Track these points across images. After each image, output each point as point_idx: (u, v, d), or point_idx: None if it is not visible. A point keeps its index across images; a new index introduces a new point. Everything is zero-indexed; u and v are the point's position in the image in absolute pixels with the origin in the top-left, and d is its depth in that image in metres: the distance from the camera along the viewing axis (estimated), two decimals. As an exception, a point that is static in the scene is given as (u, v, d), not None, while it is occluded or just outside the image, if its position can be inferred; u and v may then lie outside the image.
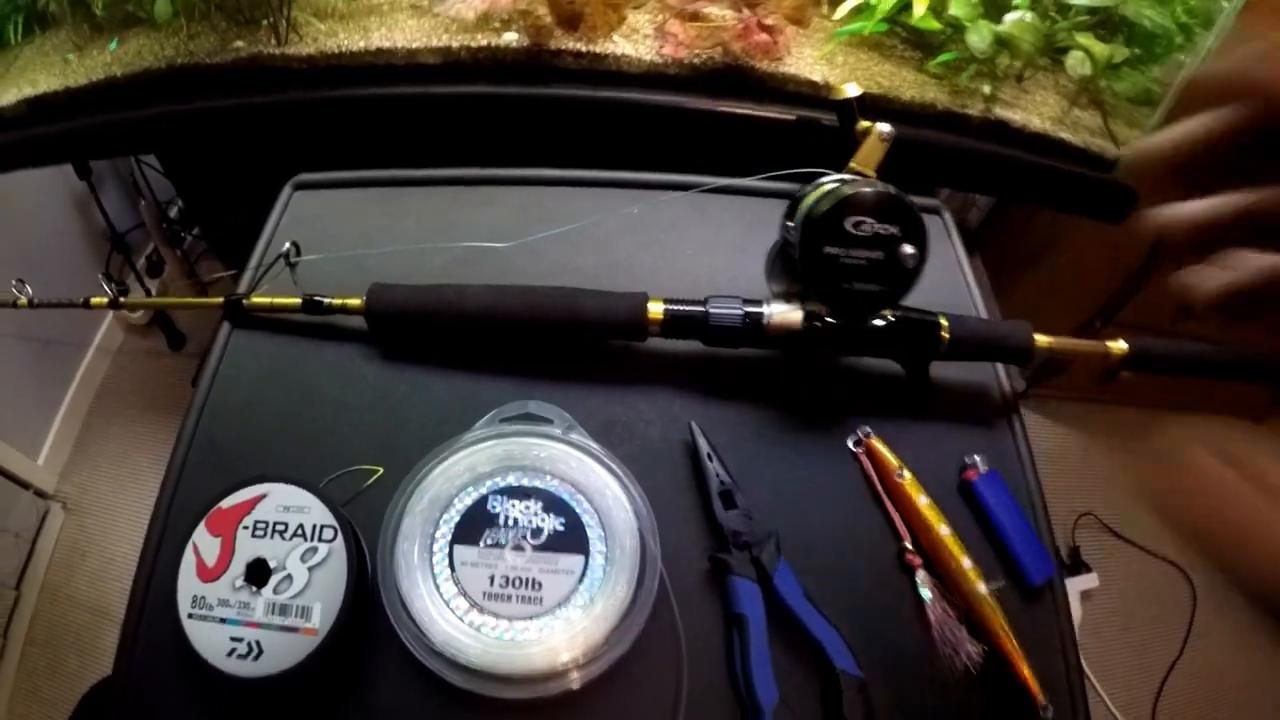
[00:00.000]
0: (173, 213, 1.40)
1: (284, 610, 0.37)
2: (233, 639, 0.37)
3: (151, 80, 0.71)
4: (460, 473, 0.40)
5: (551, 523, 0.39)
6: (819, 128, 0.65)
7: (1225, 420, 0.23)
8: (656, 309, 0.45)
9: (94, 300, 0.58)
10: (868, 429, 0.46)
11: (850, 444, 0.46)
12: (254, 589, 0.38)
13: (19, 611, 1.15)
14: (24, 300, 0.60)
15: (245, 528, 0.39)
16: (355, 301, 0.48)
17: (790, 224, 0.44)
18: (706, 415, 0.45)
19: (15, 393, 1.22)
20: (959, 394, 0.49)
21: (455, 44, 0.66)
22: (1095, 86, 0.71)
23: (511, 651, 0.36)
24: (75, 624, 1.16)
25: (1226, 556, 0.20)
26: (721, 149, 0.68)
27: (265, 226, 0.58)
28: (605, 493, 0.40)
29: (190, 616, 0.37)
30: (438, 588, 0.38)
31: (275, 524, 0.39)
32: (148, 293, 1.36)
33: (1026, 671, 0.39)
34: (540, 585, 0.38)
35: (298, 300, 0.49)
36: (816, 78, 0.67)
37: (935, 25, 0.66)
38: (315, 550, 0.39)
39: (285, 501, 0.40)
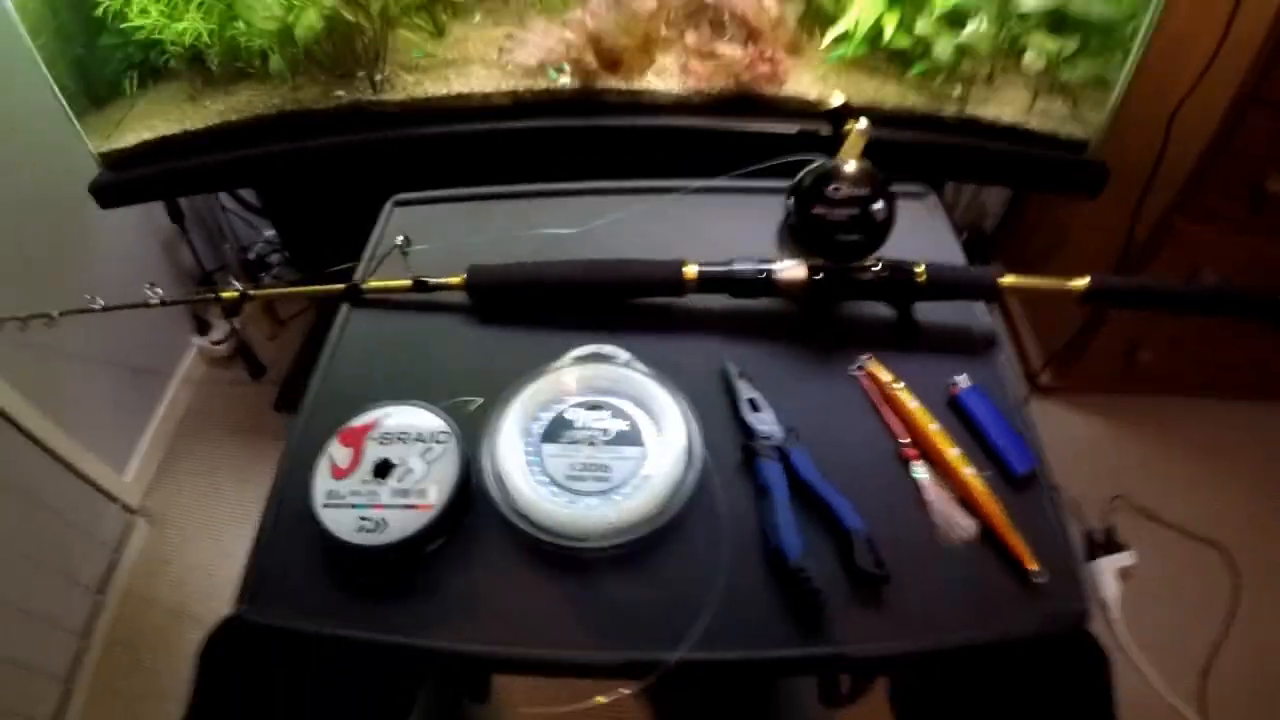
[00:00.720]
0: (251, 255, 1.58)
1: (404, 494, 0.47)
2: (361, 518, 0.46)
3: (261, 124, 0.86)
4: (546, 391, 0.52)
5: (617, 425, 0.50)
6: (816, 136, 0.78)
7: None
8: (692, 270, 0.57)
9: (225, 293, 0.68)
10: (868, 356, 0.56)
11: (852, 369, 0.56)
12: (380, 480, 0.48)
13: (102, 616, 1.20)
14: (155, 300, 0.67)
15: (373, 438, 0.50)
16: (456, 280, 0.60)
17: (789, 200, 0.56)
18: (734, 353, 0.57)
19: (105, 411, 1.30)
20: (946, 333, 0.59)
21: (521, 87, 0.81)
22: (1055, 77, 0.81)
23: (588, 514, 0.46)
24: (155, 626, 1.21)
25: None
26: (736, 160, 0.81)
27: (372, 234, 0.71)
28: (657, 401, 0.51)
29: (325, 506, 0.47)
30: (530, 472, 0.48)
31: (399, 433, 0.51)
32: (231, 327, 1.52)
33: (1018, 541, 0.45)
34: (609, 469, 0.48)
35: (408, 282, 0.62)
36: (812, 96, 0.81)
37: (906, 42, 0.79)
38: (432, 449, 0.50)
39: (407, 418, 0.51)
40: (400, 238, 0.63)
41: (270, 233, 1.57)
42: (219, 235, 1.50)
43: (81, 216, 1.15)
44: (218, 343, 1.51)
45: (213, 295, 0.70)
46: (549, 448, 0.49)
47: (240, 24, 0.82)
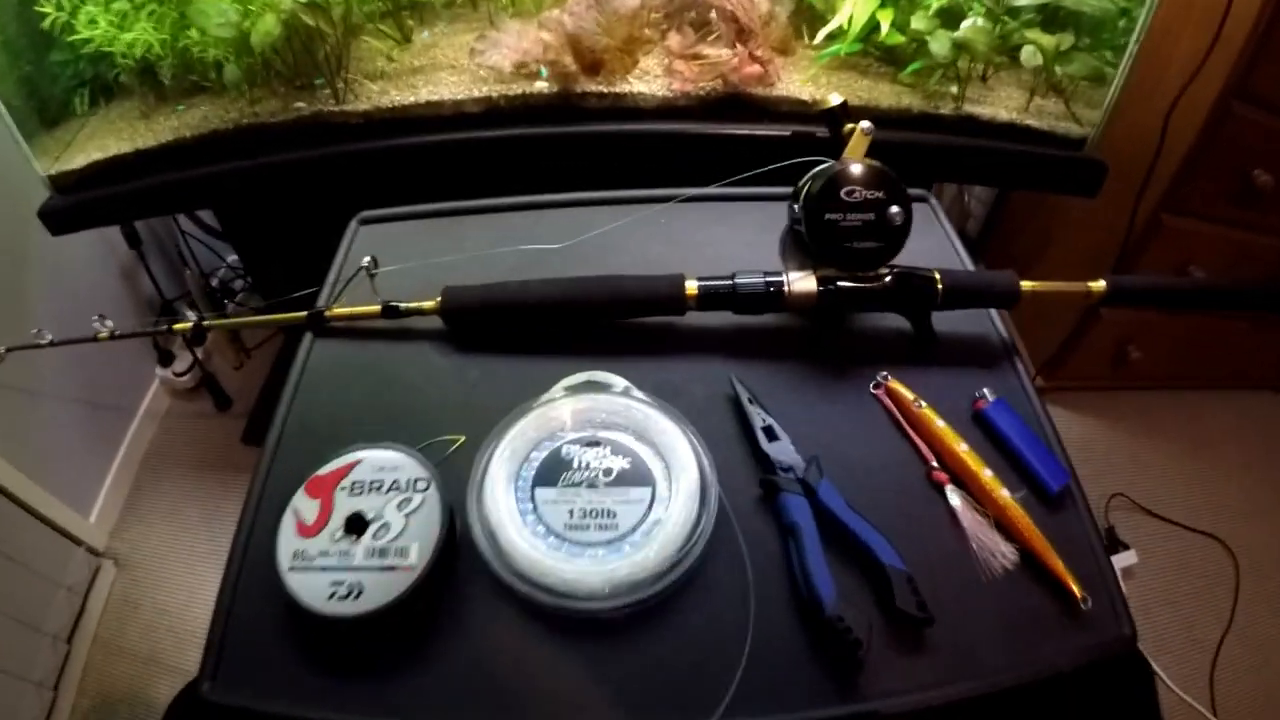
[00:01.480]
0: (214, 282, 1.50)
1: (382, 553, 0.42)
2: (333, 583, 0.41)
3: (218, 140, 0.80)
4: (537, 428, 0.47)
5: (620, 463, 0.45)
6: (811, 139, 0.74)
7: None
8: (692, 285, 0.53)
9: (178, 325, 0.64)
10: (886, 373, 0.52)
11: (870, 388, 0.52)
12: (353, 538, 0.42)
13: (70, 665, 1.15)
14: (104, 333, 0.62)
15: (343, 488, 0.45)
16: (429, 304, 0.55)
17: (796, 206, 0.52)
18: (742, 374, 0.52)
19: (67, 453, 1.26)
20: (963, 344, 0.56)
21: (494, 93, 0.76)
22: (1051, 74, 0.80)
23: (593, 569, 0.41)
24: (126, 675, 1.17)
25: None
26: (729, 166, 0.77)
27: (336, 255, 0.65)
28: (664, 435, 0.46)
29: (292, 569, 0.41)
30: (524, 523, 0.43)
31: (371, 482, 0.45)
32: (195, 357, 1.44)
33: (1061, 567, 0.42)
34: (614, 514, 0.43)
35: (376, 308, 0.56)
36: (805, 97, 0.77)
37: (901, 40, 0.76)
38: (410, 500, 0.44)
39: (380, 463, 0.46)
40: (367, 259, 0.58)
41: (233, 258, 1.50)
42: (180, 261, 1.42)
43: (33, 245, 1.10)
44: (181, 374, 1.44)
45: (165, 327, 0.65)
46: (544, 493, 0.44)
47: (193, 32, 0.76)
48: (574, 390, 0.50)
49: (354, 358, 0.57)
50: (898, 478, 0.48)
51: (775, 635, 0.41)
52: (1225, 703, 1.06)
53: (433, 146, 0.76)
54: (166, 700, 1.21)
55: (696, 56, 0.77)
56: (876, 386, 0.52)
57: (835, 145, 0.54)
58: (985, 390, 0.51)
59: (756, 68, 0.75)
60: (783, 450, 0.46)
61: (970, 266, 0.63)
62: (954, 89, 0.79)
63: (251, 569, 0.45)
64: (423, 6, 0.84)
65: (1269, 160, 0.99)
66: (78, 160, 0.84)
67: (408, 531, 0.43)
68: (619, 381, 0.50)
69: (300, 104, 0.78)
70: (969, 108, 0.79)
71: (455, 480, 0.45)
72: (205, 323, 0.63)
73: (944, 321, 0.55)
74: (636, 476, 0.44)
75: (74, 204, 0.85)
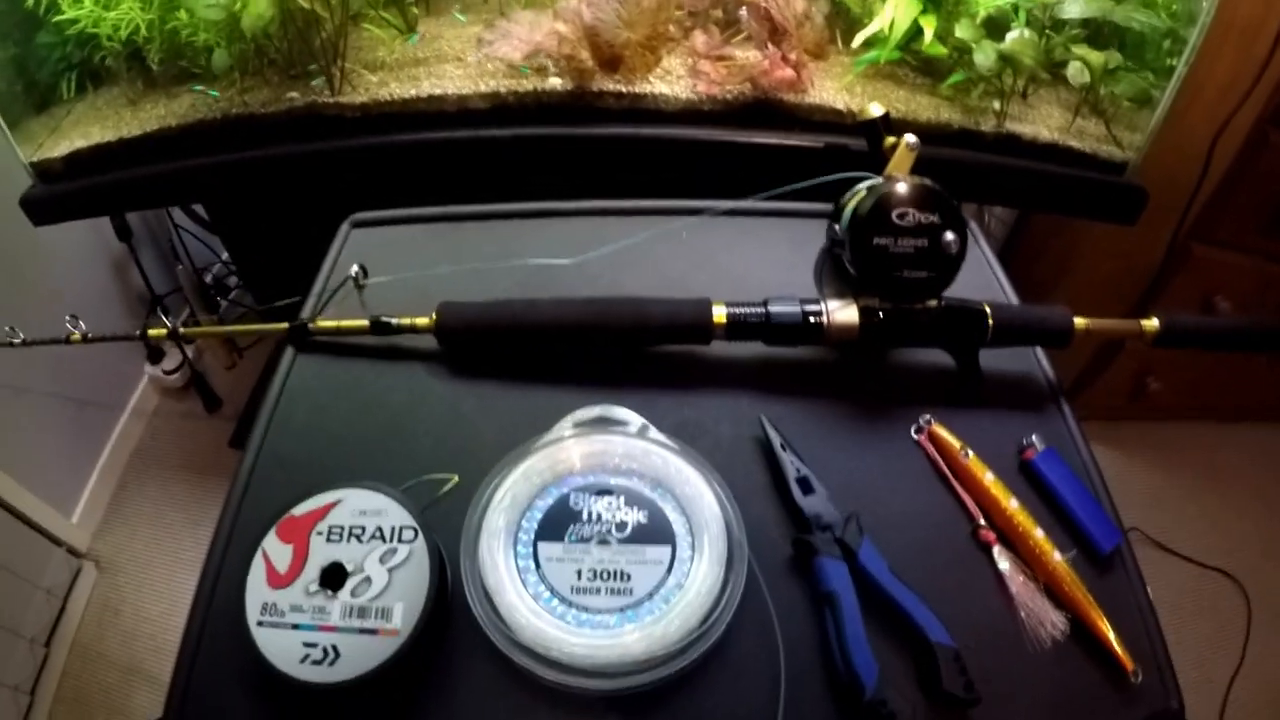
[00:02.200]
0: (208, 278, 1.44)
1: (362, 612, 0.37)
2: (306, 644, 0.36)
3: (207, 130, 0.75)
4: (541, 471, 0.41)
5: (635, 516, 0.40)
6: (846, 152, 0.69)
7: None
8: (720, 312, 0.47)
9: (152, 331, 0.59)
10: (928, 417, 0.47)
11: (912, 432, 0.47)
12: (329, 593, 0.37)
13: (47, 669, 1.12)
14: (77, 335, 0.59)
15: (319, 533, 0.39)
16: (423, 320, 0.50)
17: (837, 227, 0.47)
18: (772, 412, 0.47)
19: (50, 451, 1.22)
20: (1007, 384, 0.51)
21: (503, 89, 0.70)
22: (1096, 93, 0.75)
23: (604, 643, 0.36)
24: (105, 683, 1.13)
25: None
26: (754, 177, 0.71)
27: (324, 261, 0.60)
28: (686, 484, 0.41)
29: (260, 624, 0.37)
30: (524, 584, 0.38)
31: (351, 528, 0.40)
32: (184, 356, 1.39)
33: (1113, 638, 0.39)
34: (629, 577, 0.38)
35: (364, 322, 0.51)
36: (840, 106, 0.72)
37: (943, 51, 0.71)
38: (395, 551, 0.39)
39: (361, 506, 0.40)
40: (354, 268, 0.52)
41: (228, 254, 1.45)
42: (172, 256, 1.37)
43: (20, 236, 1.04)
44: (171, 372, 1.39)
45: (137, 334, 0.60)
46: (548, 548, 0.39)
47: (182, 14, 0.71)
48: (583, 428, 0.44)
49: (338, 377, 0.51)
50: (941, 535, 0.43)
51: (807, 717, 0.36)
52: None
53: (434, 144, 0.71)
54: (144, 711, 1.19)
55: (723, 58, 0.72)
56: (919, 431, 0.47)
57: (875, 160, 0.48)
58: (1034, 438, 0.46)
59: (789, 72, 0.70)
60: (819, 505, 0.41)
61: (1014, 298, 0.58)
62: (996, 105, 0.74)
63: (218, 616, 0.40)
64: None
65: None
66: (61, 147, 0.79)
67: (391, 589, 0.38)
68: (635, 419, 0.45)
69: (294, 94, 0.73)
70: (1010, 125, 0.73)
71: (446, 527, 0.40)
72: (181, 330, 0.58)
73: (987, 358, 0.50)
74: (654, 533, 0.39)
75: (57, 193, 0.80)
